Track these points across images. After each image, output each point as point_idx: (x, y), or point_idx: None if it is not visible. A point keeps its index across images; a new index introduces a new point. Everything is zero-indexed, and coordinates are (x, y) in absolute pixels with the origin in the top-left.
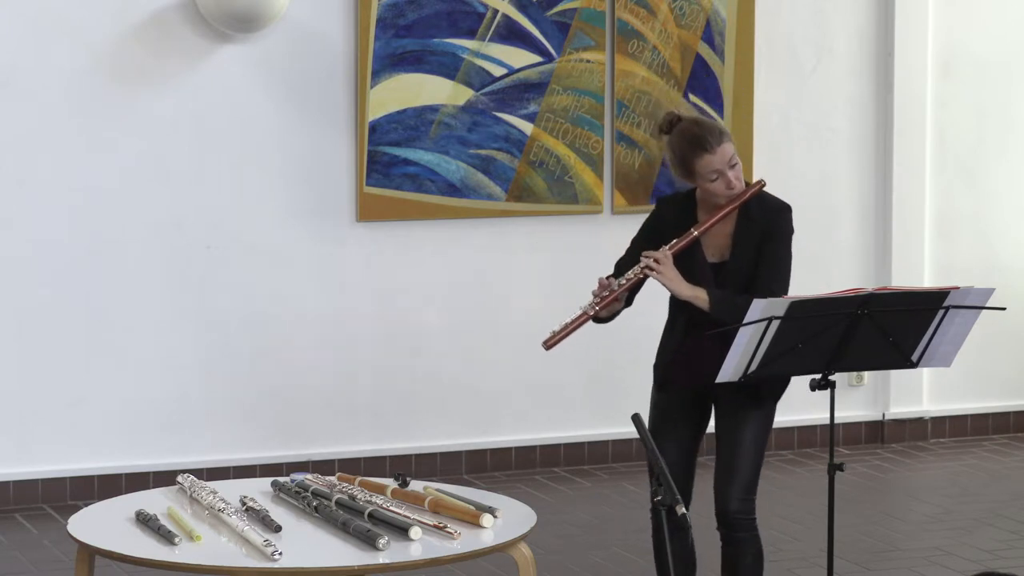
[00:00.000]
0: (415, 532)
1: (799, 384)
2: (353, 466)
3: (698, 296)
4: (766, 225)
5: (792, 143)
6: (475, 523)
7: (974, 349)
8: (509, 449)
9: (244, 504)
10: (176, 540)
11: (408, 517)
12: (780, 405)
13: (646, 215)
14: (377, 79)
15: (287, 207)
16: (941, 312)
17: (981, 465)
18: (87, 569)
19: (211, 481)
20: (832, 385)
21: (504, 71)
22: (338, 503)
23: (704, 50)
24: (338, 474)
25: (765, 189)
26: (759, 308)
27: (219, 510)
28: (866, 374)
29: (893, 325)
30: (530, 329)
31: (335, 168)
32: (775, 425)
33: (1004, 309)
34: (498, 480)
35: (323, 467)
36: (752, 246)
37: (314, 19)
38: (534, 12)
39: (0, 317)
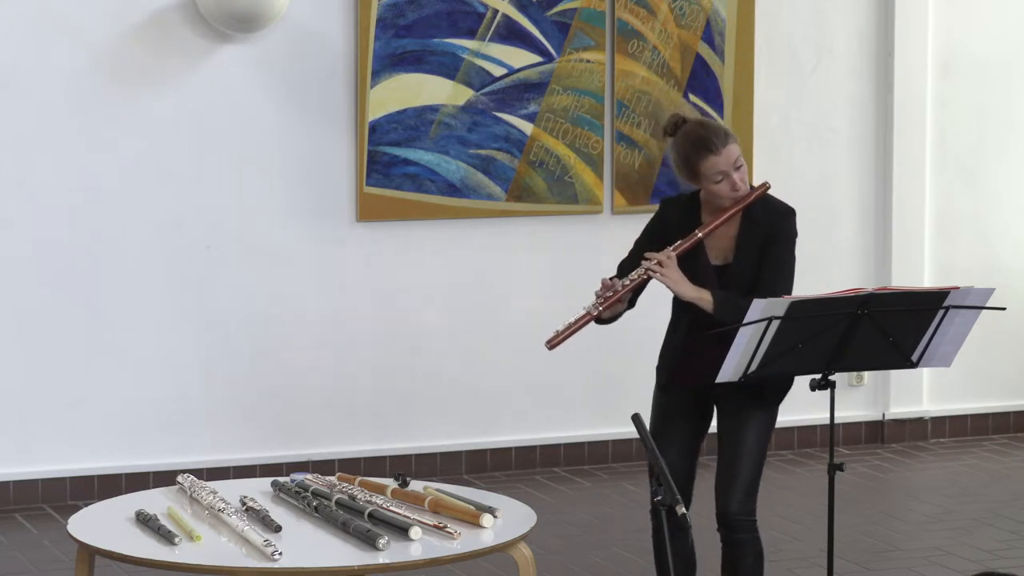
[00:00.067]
0: (415, 532)
1: (799, 384)
2: (353, 466)
3: (702, 298)
4: (770, 228)
5: (792, 143)
6: (475, 523)
7: (974, 349)
8: (509, 449)
9: (244, 504)
10: (176, 540)
11: (408, 517)
12: (780, 405)
13: (646, 215)
14: (377, 79)
15: (287, 207)
16: (941, 312)
17: (981, 465)
18: (87, 569)
19: (211, 481)
20: (832, 385)
21: (504, 71)
22: (338, 503)
23: (704, 50)
24: (338, 474)
25: (770, 193)
26: (759, 308)
27: (219, 510)
28: (866, 374)
29: (893, 325)
30: (530, 329)
31: (335, 168)
32: (775, 425)
33: (1004, 309)
34: (498, 480)
35: (323, 467)
36: (755, 249)
37: (314, 19)
38: (534, 12)
39: (0, 317)
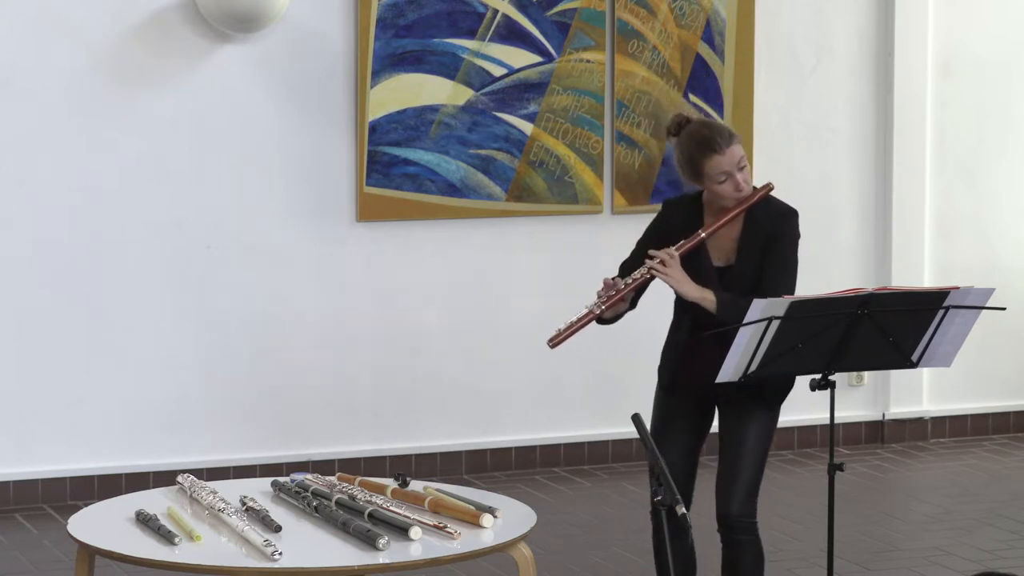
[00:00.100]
0: (415, 532)
1: (799, 384)
2: (353, 466)
3: (705, 298)
4: (772, 230)
5: (792, 143)
6: (475, 523)
7: (974, 349)
8: (509, 449)
9: (244, 504)
10: (176, 540)
11: (408, 517)
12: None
13: (646, 215)
14: (377, 79)
15: (287, 207)
16: (941, 312)
17: (981, 465)
18: (87, 569)
19: (211, 481)
20: (832, 385)
21: (504, 71)
22: (338, 503)
23: (704, 50)
24: (338, 474)
25: (772, 194)
26: (759, 308)
27: (219, 510)
28: (866, 374)
29: (893, 325)
30: (530, 329)
31: (335, 168)
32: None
33: (1004, 309)
34: (498, 480)
35: (323, 467)
36: (758, 250)
37: (314, 19)
38: (534, 12)
39: (0, 317)
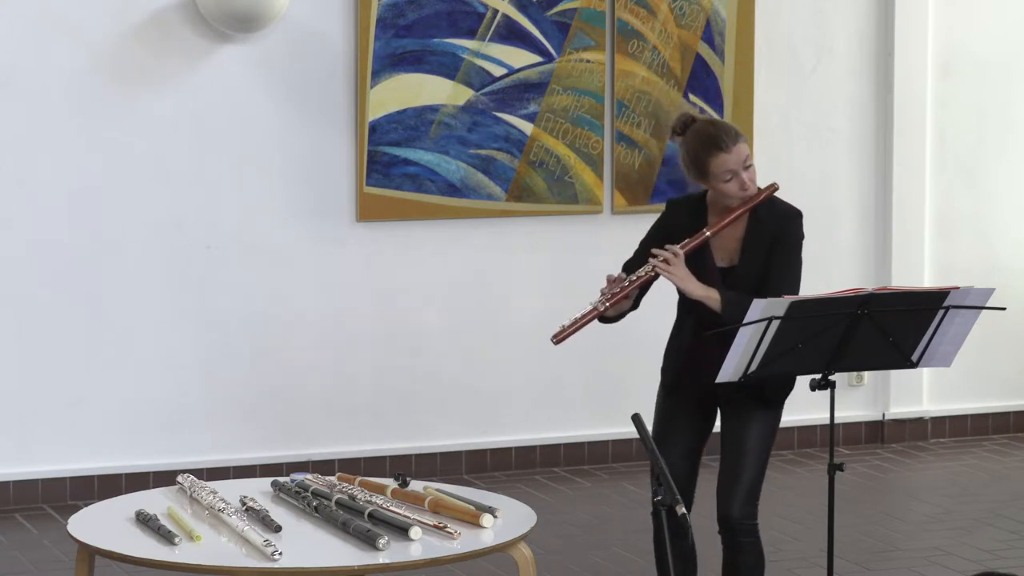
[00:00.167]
0: (415, 532)
1: (799, 384)
2: (353, 466)
3: (710, 296)
4: (777, 230)
5: (792, 143)
6: (475, 523)
7: (974, 349)
8: (509, 449)
9: (244, 504)
10: (176, 540)
11: (408, 517)
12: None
13: (646, 215)
14: (377, 79)
15: (287, 207)
16: (941, 312)
17: (981, 465)
18: (87, 569)
19: (211, 481)
20: (832, 385)
21: (504, 71)
22: (338, 503)
23: (704, 50)
24: (338, 474)
25: (776, 194)
26: (759, 308)
27: (219, 510)
28: (866, 374)
29: (893, 325)
30: (530, 329)
31: (335, 168)
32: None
33: (1004, 309)
34: (498, 480)
35: (323, 467)
36: (762, 251)
37: (314, 19)
38: (534, 12)
39: (0, 317)
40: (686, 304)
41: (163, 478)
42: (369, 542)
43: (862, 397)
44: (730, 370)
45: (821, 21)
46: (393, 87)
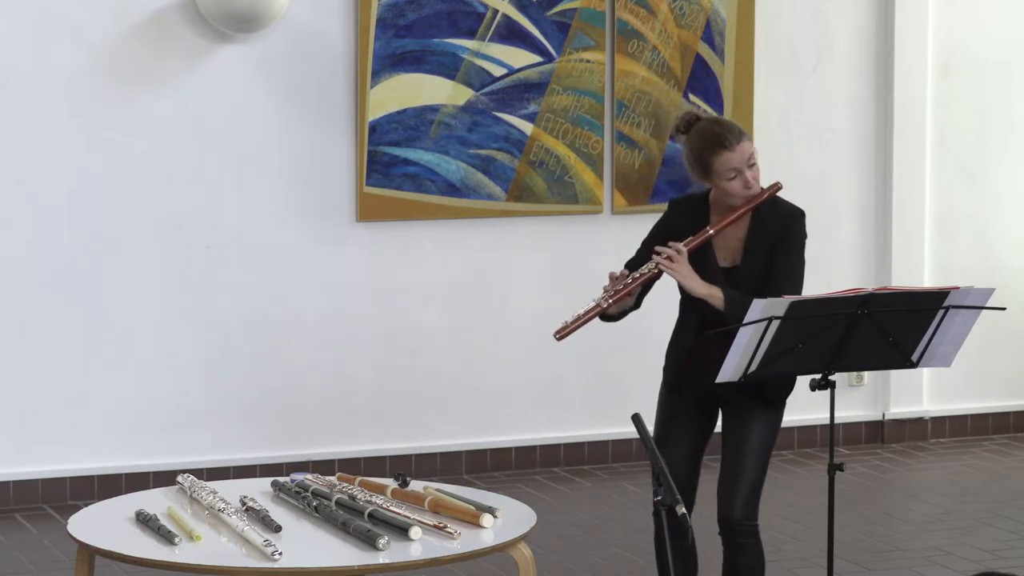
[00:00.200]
0: (415, 532)
1: (799, 384)
2: (353, 466)
3: (713, 295)
4: (779, 230)
5: (792, 143)
6: (475, 523)
7: (974, 349)
8: (509, 449)
9: (244, 504)
10: (176, 540)
11: (408, 517)
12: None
13: (646, 215)
14: (377, 79)
15: (287, 207)
16: (941, 312)
17: (981, 465)
18: (87, 569)
19: (211, 481)
20: (832, 385)
21: (504, 71)
22: (338, 503)
23: (704, 50)
24: (338, 474)
25: (779, 194)
26: (759, 308)
27: (219, 510)
28: (866, 374)
29: (893, 325)
30: (530, 329)
31: (335, 168)
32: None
33: (1004, 309)
34: (498, 480)
35: (323, 467)
36: (764, 251)
37: (314, 19)
38: (534, 12)
39: (0, 317)
40: (689, 303)
41: (163, 478)
42: (369, 542)
43: (862, 397)
44: (730, 370)
45: (821, 21)
46: (393, 87)
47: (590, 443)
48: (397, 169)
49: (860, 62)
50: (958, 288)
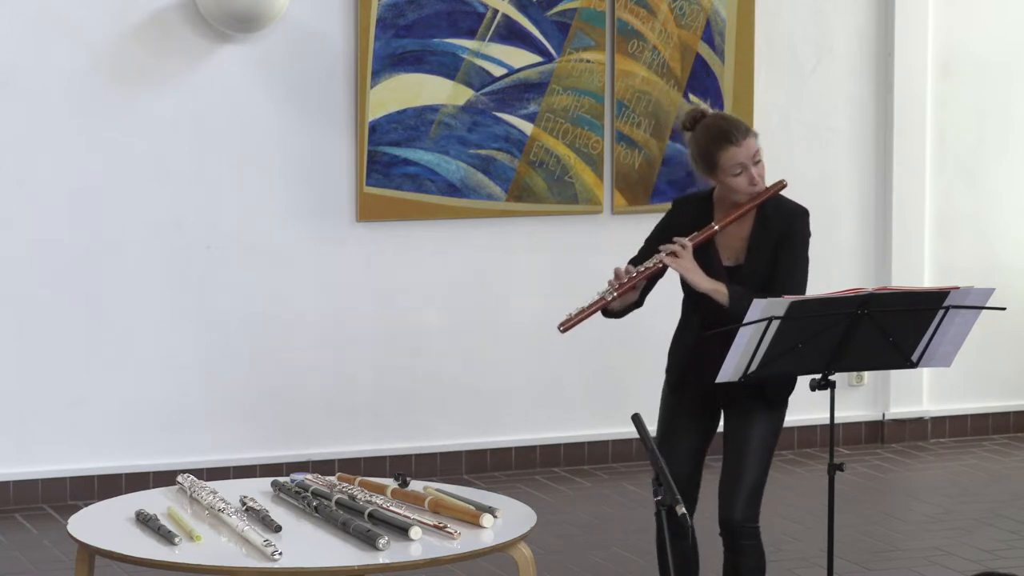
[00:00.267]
0: (415, 532)
1: (799, 384)
2: (353, 466)
3: (717, 290)
4: (783, 229)
5: (792, 143)
6: (475, 523)
7: (974, 349)
8: (509, 449)
9: (244, 504)
10: (176, 540)
11: (408, 517)
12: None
13: (646, 215)
14: (377, 79)
15: (287, 207)
16: (941, 312)
17: (981, 465)
18: (87, 569)
19: (211, 481)
20: (832, 385)
21: (504, 71)
22: (338, 503)
23: (704, 50)
24: (338, 474)
25: (783, 193)
26: (759, 308)
27: (219, 510)
28: (866, 374)
29: (893, 325)
30: (530, 329)
31: (335, 168)
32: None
33: (1004, 309)
34: (498, 480)
35: (323, 467)
36: (768, 249)
37: (314, 19)
38: (534, 12)
39: (0, 317)
40: (692, 303)
41: (163, 478)
42: (369, 542)
43: (862, 397)
44: (730, 370)
45: (821, 21)
46: (393, 87)
47: (590, 443)
48: (397, 169)
49: (860, 62)
50: (958, 288)
